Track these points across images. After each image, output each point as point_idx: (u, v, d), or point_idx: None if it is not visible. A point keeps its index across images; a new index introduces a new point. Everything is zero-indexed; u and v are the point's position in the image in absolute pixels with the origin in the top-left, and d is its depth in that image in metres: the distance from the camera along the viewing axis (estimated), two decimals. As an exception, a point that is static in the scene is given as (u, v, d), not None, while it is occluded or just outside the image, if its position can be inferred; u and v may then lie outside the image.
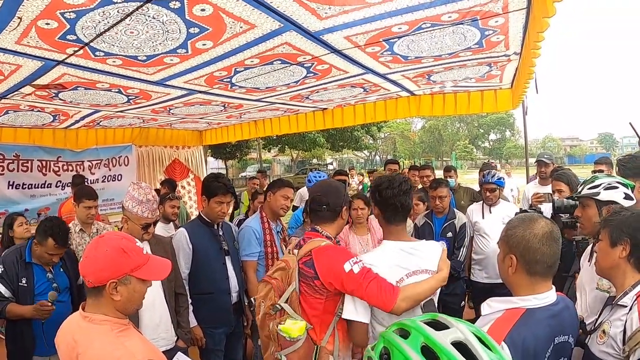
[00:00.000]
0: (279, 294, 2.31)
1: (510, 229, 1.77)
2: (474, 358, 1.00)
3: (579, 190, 2.72)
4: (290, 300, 2.29)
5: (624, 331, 1.79)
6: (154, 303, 3.09)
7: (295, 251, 2.43)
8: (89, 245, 1.80)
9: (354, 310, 2.22)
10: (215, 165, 38.60)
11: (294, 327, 2.19)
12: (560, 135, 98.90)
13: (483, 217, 4.66)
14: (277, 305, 2.28)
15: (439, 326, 1.09)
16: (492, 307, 1.73)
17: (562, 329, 1.70)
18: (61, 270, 3.60)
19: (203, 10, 2.61)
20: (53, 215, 6.38)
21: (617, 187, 2.57)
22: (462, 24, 3.18)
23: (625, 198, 2.54)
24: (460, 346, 1.02)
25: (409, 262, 2.30)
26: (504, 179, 4.75)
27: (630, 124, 1.67)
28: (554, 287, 1.75)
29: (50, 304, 3.22)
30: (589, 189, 2.64)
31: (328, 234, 2.46)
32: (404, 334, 1.09)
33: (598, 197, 2.58)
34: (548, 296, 1.70)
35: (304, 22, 2.97)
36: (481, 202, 4.78)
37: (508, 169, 14.64)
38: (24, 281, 3.38)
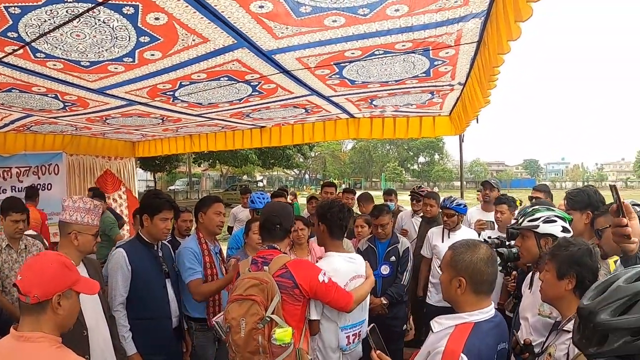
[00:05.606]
0: (264, 307, 2.49)
1: (458, 255, 1.98)
2: None
3: (520, 221, 2.84)
4: (277, 311, 2.51)
5: (567, 354, 1.91)
6: (98, 325, 2.85)
7: (266, 268, 2.65)
8: (28, 262, 1.85)
9: (315, 312, 2.81)
10: (143, 177, 37.27)
11: (285, 333, 2.44)
12: (487, 160, 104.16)
13: (442, 241, 4.71)
14: (267, 318, 2.47)
15: None
16: (442, 324, 1.95)
17: (502, 337, 1.98)
18: None
19: (157, 19, 2.51)
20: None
21: (555, 221, 2.70)
22: (414, 53, 3.26)
23: (562, 231, 2.66)
24: None
25: (350, 269, 2.99)
26: (465, 205, 4.83)
27: (612, 187, 1.77)
28: (493, 302, 2.01)
29: None
30: (529, 221, 2.75)
31: (284, 250, 2.86)
32: None
33: (537, 230, 2.71)
34: (490, 310, 1.96)
35: (258, 40, 2.94)
36: (441, 226, 4.86)
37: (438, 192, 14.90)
38: None
